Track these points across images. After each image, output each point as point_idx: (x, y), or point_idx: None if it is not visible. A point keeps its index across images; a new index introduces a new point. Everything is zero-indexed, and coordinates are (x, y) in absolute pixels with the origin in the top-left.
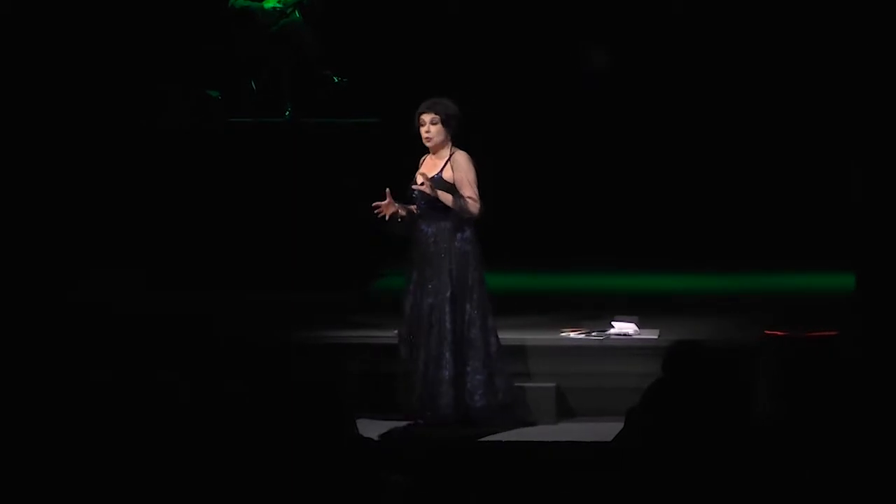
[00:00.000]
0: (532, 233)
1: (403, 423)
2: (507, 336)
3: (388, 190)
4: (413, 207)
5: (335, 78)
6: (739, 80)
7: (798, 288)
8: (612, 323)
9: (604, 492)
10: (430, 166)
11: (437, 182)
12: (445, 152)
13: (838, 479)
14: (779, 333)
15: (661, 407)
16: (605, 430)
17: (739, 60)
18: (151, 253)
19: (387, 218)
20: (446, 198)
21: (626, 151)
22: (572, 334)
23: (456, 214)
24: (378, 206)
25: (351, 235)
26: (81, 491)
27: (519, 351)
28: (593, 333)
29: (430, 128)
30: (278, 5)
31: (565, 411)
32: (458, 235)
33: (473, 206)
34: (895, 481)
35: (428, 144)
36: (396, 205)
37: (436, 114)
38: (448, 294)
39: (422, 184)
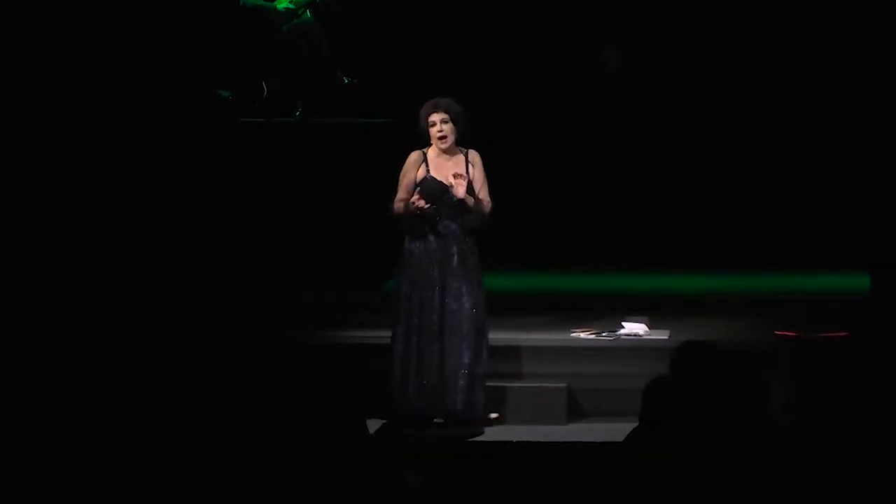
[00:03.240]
0: (542, 233)
1: (415, 424)
2: (517, 336)
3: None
4: (424, 205)
5: (346, 78)
6: (752, 79)
7: (812, 289)
8: (623, 323)
9: (615, 493)
10: (443, 165)
11: (467, 185)
12: (457, 151)
13: (852, 481)
14: (790, 334)
15: (672, 408)
16: (616, 430)
17: (750, 58)
18: (165, 254)
19: (420, 209)
20: (469, 200)
21: (638, 151)
22: (583, 335)
23: (469, 213)
24: (415, 202)
25: (365, 234)
26: (90, 488)
27: (529, 351)
28: (604, 334)
29: (443, 126)
30: (290, 5)
31: (576, 412)
32: (473, 234)
33: (489, 206)
34: None
35: (443, 144)
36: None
37: (446, 112)
38: (483, 294)
39: (457, 178)
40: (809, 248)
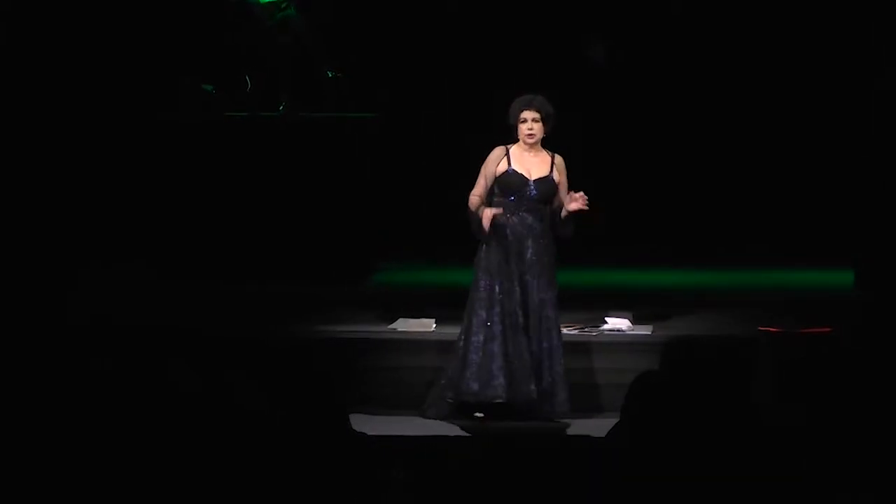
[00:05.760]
0: None
1: (404, 418)
2: None
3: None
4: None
5: (329, 72)
6: (737, 78)
7: (796, 285)
8: (606, 318)
9: (597, 488)
10: (526, 160)
11: (549, 182)
12: (542, 150)
13: (835, 475)
14: (773, 330)
15: (654, 403)
16: (598, 425)
17: (737, 58)
18: (146, 247)
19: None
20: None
21: (623, 147)
22: (566, 330)
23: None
24: (495, 214)
25: (348, 229)
26: (79, 487)
27: None
28: (587, 329)
29: (534, 125)
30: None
31: None
32: (550, 234)
33: None
34: (892, 477)
35: (530, 142)
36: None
37: (538, 112)
38: (555, 292)
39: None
40: (794, 244)
